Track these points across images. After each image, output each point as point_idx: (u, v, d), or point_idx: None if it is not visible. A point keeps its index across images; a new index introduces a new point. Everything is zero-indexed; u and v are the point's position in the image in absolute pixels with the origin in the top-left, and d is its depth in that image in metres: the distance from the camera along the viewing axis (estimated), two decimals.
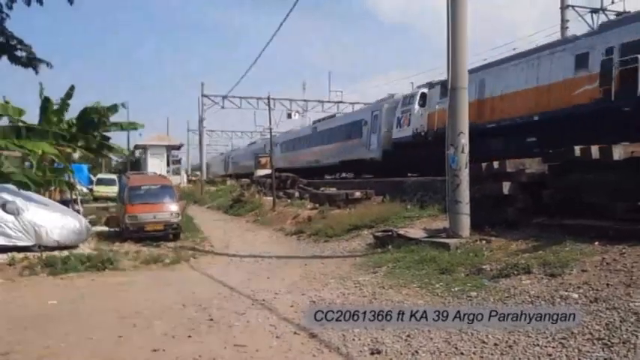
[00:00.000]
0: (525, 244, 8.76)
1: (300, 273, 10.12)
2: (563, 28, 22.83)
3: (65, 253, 12.22)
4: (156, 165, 43.41)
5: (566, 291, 6.45)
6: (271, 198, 22.51)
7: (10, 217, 12.54)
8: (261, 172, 33.76)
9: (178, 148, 54.92)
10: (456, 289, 7.44)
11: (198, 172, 52.84)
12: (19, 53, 6.44)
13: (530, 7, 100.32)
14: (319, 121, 35.93)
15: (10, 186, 13.70)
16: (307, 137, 34.49)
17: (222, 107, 43.13)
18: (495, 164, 10.54)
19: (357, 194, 17.72)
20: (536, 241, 8.70)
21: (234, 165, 56.79)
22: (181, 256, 12.76)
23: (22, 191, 13.76)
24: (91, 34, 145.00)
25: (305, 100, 46.24)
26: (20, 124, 15.70)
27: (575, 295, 6.26)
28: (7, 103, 15.11)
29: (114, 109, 19.30)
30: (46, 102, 18.42)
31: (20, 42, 6.45)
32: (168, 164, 49.05)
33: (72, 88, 18.83)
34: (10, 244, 12.37)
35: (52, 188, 20.48)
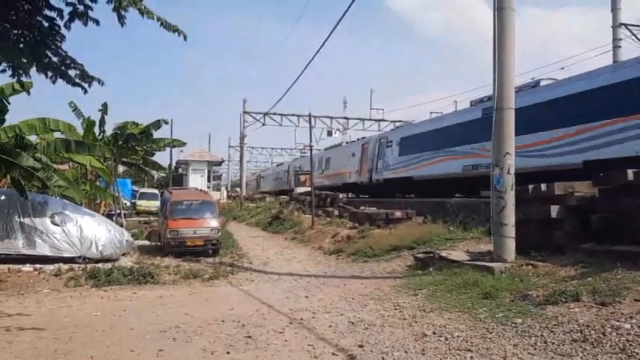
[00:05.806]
0: (574, 271, 8.47)
1: (339, 293, 9.99)
2: (616, 47, 22.28)
3: (108, 265, 12.51)
4: (197, 180, 44.14)
5: (618, 321, 6.17)
6: (310, 216, 22.49)
7: (57, 229, 12.97)
8: (300, 190, 33.82)
9: (219, 164, 55.70)
10: (500, 315, 7.21)
11: (237, 189, 53.25)
12: (71, 72, 6.60)
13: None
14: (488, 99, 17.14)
15: (59, 199, 14.15)
16: (467, 127, 19.81)
17: (264, 124, 43.44)
18: (543, 186, 10.27)
19: (398, 214, 17.50)
20: (585, 268, 8.40)
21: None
22: (220, 272, 12.83)
23: (70, 203, 14.20)
24: (132, 49, 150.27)
25: (346, 118, 46.10)
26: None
27: (628, 326, 5.99)
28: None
29: (157, 125, 19.71)
30: (90, 123, 19.00)
31: (73, 61, 6.62)
32: (209, 180, 49.76)
33: (105, 105, 19.21)
34: (57, 254, 12.78)
35: (98, 201, 21.13)
